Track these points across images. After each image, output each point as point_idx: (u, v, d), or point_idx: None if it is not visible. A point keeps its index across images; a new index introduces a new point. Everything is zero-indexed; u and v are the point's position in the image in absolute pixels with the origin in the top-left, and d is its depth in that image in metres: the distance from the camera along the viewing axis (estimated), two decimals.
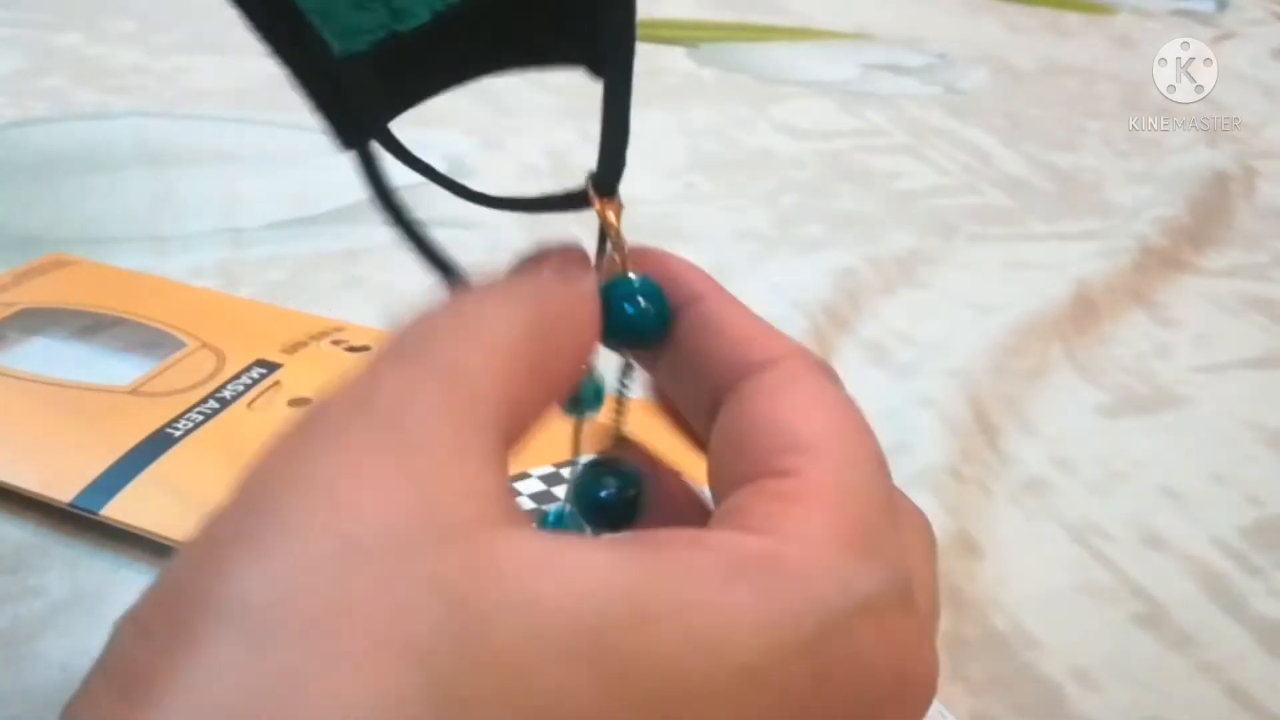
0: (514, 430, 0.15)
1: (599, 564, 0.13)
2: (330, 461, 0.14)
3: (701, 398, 0.18)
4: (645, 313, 0.20)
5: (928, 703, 0.15)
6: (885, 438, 0.50)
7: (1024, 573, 0.40)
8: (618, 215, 0.20)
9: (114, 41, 0.89)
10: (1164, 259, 0.65)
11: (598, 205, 0.20)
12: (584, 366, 0.19)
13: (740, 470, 0.16)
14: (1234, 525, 0.43)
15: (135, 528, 0.36)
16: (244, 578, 0.12)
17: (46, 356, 0.46)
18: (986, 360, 0.52)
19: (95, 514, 0.36)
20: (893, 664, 0.15)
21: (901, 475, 0.43)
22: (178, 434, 0.39)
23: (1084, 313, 0.58)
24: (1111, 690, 0.35)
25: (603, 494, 0.19)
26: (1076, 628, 0.38)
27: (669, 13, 1.12)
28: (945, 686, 0.34)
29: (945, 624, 0.37)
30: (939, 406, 0.48)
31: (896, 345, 0.55)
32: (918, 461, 0.44)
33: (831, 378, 0.18)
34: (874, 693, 0.14)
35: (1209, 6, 1.27)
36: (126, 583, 0.36)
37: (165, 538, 0.35)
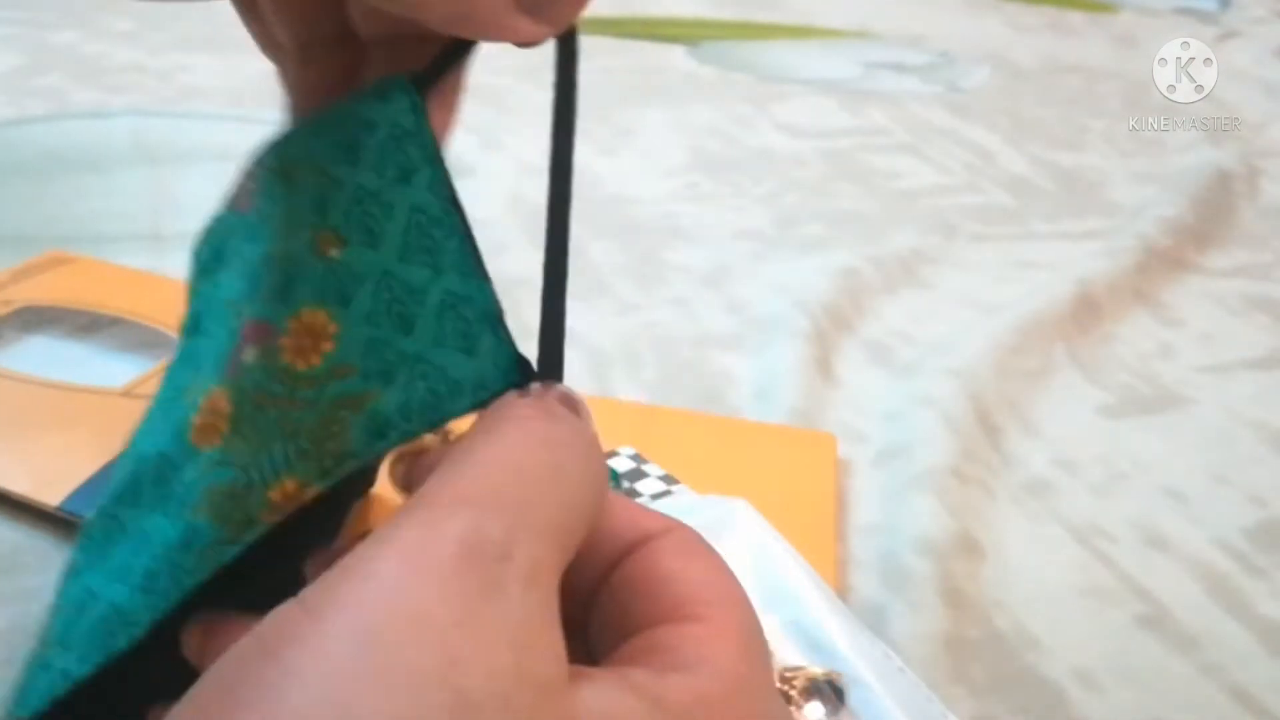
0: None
1: (642, 715, 0.17)
2: (445, 614, 0.16)
3: (592, 561, 0.21)
4: None
5: None
6: (887, 438, 0.50)
7: (1026, 573, 0.40)
8: None
9: (111, 40, 0.89)
10: (1167, 259, 0.65)
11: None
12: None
13: (653, 613, 0.20)
14: (1237, 526, 0.43)
15: None
16: None
17: (42, 356, 0.45)
18: (989, 360, 0.52)
19: (83, 519, 0.36)
20: None
21: (903, 476, 0.44)
22: None
23: (1087, 313, 0.58)
24: (1114, 691, 0.35)
25: None
26: (1079, 629, 0.38)
27: (670, 10, 1.12)
28: (947, 688, 0.34)
29: (947, 625, 0.37)
30: (941, 406, 0.48)
31: (898, 345, 0.55)
32: (919, 462, 0.44)
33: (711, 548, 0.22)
34: None
35: (1212, 5, 1.27)
36: None
37: None
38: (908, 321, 0.57)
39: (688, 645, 0.19)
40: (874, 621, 0.36)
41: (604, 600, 0.21)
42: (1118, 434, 0.49)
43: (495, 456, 0.19)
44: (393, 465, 0.23)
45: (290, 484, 0.22)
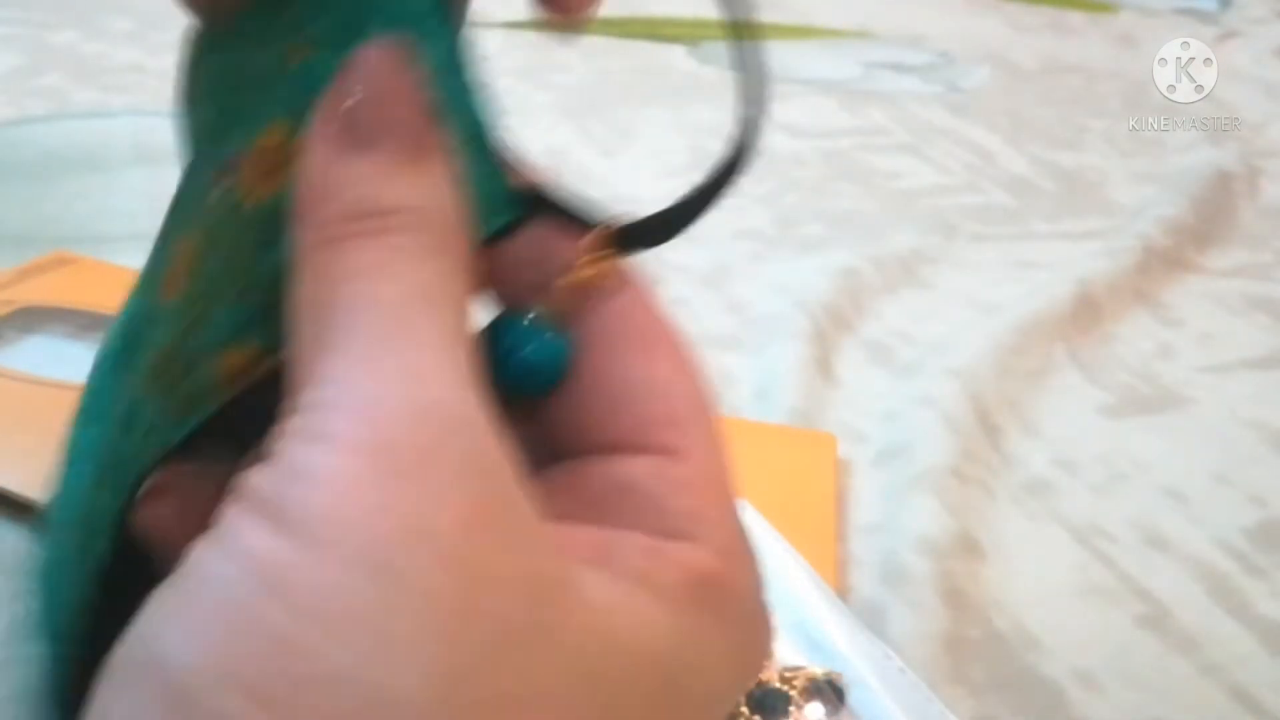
0: None
1: (655, 620, 0.15)
2: (443, 520, 0.14)
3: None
4: (536, 368, 0.18)
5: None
6: (887, 438, 0.50)
7: (1026, 574, 0.40)
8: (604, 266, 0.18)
9: (111, 39, 0.89)
10: (1167, 259, 0.65)
11: (593, 248, 0.18)
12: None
13: (616, 429, 0.17)
14: (1237, 526, 0.43)
15: None
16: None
17: (41, 356, 0.45)
18: (989, 360, 0.52)
19: None
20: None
21: (903, 476, 0.44)
22: None
23: (1087, 313, 0.58)
24: (1114, 692, 0.35)
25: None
26: (1079, 629, 0.38)
27: (670, 10, 1.12)
28: (947, 688, 0.34)
29: (947, 625, 0.37)
30: (941, 406, 0.48)
31: (898, 345, 0.55)
32: (919, 462, 0.44)
33: (662, 307, 0.18)
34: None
35: (1211, 5, 1.27)
36: None
37: None
38: (908, 321, 0.57)
39: (674, 497, 0.17)
40: (874, 621, 0.36)
41: (574, 399, 0.18)
42: (1118, 434, 0.49)
43: (357, 312, 0.15)
44: None
45: (240, 355, 0.17)
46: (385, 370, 0.14)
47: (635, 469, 0.17)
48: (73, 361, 0.46)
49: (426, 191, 0.16)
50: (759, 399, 0.49)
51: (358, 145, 0.16)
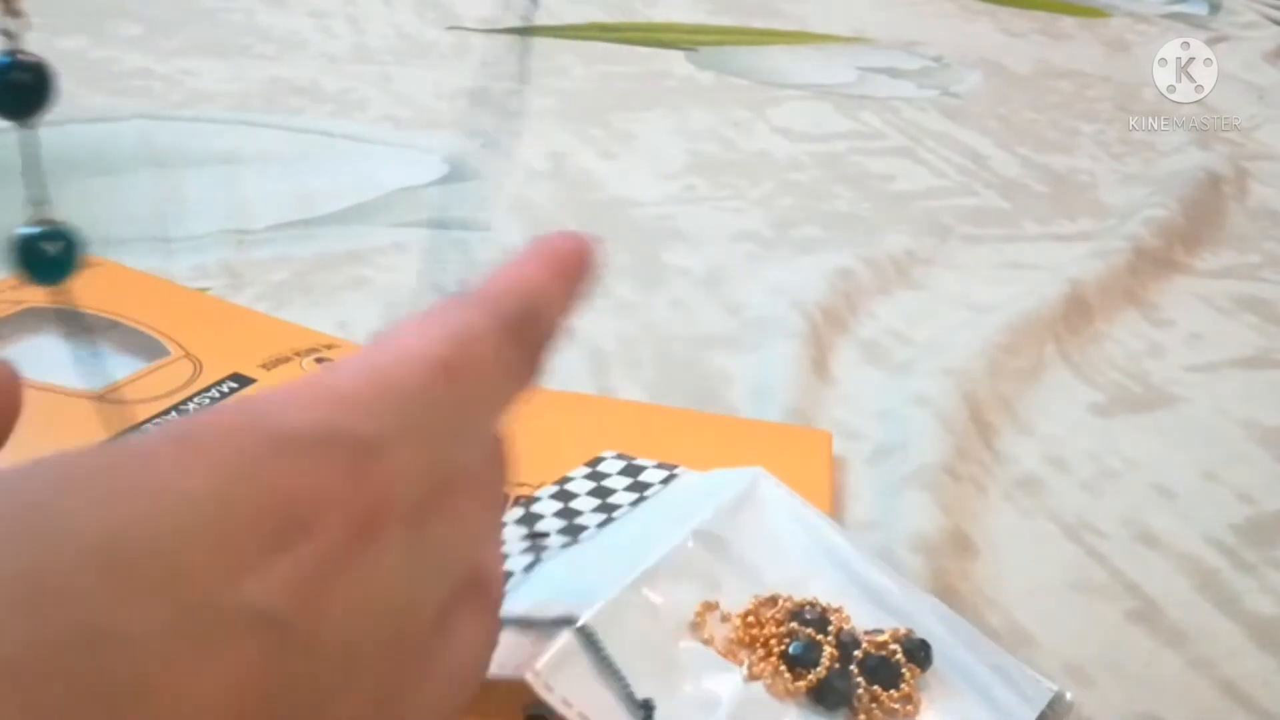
0: None
1: None
2: None
3: None
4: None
5: None
6: (881, 435, 0.51)
7: (1018, 570, 0.40)
8: None
9: (119, 45, 0.90)
10: (1157, 259, 0.66)
11: None
12: None
13: None
14: (1226, 523, 0.44)
15: None
16: None
17: (36, 357, 0.45)
18: (982, 360, 0.52)
19: None
20: None
21: (897, 473, 0.44)
22: None
23: (1078, 313, 0.59)
24: (1105, 686, 0.36)
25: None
26: (1071, 624, 0.38)
27: (668, 16, 1.13)
28: None
29: None
30: (935, 405, 0.48)
31: (893, 345, 0.55)
32: (913, 460, 0.45)
33: None
34: None
35: (1202, 9, 1.28)
36: None
37: None
38: (902, 321, 0.57)
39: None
40: None
41: None
42: (1108, 432, 0.50)
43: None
44: None
45: None
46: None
47: None
48: (62, 363, 0.46)
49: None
50: (756, 398, 0.49)
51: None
